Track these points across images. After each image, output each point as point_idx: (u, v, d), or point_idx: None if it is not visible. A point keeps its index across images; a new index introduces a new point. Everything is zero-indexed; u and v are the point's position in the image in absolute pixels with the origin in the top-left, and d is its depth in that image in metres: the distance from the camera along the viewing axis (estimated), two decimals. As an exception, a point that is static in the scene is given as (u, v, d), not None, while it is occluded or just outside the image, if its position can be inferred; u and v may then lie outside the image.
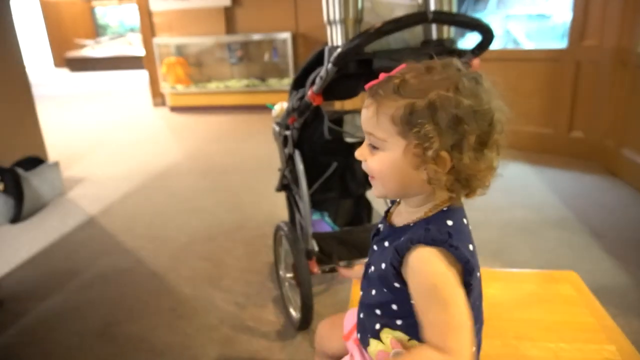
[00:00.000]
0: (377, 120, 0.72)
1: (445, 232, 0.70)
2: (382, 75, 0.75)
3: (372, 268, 0.81)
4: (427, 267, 0.69)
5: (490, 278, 1.20)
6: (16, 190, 2.85)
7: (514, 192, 2.94)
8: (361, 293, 0.86)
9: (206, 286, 2.11)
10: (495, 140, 0.70)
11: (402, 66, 0.74)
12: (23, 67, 3.32)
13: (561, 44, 3.51)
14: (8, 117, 3.18)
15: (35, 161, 3.15)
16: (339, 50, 1.25)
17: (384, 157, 0.73)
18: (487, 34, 1.33)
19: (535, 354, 1.02)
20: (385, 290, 0.77)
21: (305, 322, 1.72)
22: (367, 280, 0.83)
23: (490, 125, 0.69)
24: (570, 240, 2.37)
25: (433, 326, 0.68)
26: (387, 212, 0.85)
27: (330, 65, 1.29)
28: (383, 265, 0.76)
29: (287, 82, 5.55)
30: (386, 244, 0.78)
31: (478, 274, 0.75)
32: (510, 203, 2.79)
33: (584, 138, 3.44)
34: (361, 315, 0.86)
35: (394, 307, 0.78)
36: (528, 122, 3.52)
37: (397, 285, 0.74)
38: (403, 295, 0.74)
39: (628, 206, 2.75)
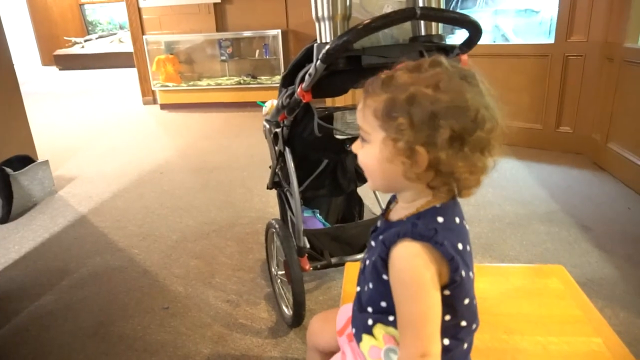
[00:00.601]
0: (363, 113, 0.75)
1: (432, 228, 0.71)
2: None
3: (367, 262, 0.82)
4: (404, 261, 0.71)
5: (480, 272, 1.21)
6: (5, 190, 2.83)
7: (503, 186, 2.97)
8: (357, 288, 0.88)
9: (198, 284, 2.11)
10: (479, 138, 0.69)
11: (401, 65, 0.76)
12: (11, 65, 3.29)
13: (549, 39, 3.53)
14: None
15: (24, 160, 3.12)
16: (327, 47, 1.25)
17: (369, 150, 0.75)
18: (475, 31, 1.34)
19: (524, 347, 1.04)
20: (376, 284, 0.79)
21: (298, 319, 1.73)
22: (363, 276, 0.85)
23: (473, 122, 0.69)
24: (559, 234, 2.39)
25: (399, 320, 0.73)
26: (387, 208, 0.86)
27: (319, 62, 1.29)
28: (374, 258, 0.78)
29: (278, 78, 5.53)
30: (380, 237, 0.79)
31: (470, 273, 0.77)
32: (500, 198, 2.81)
33: (572, 133, 3.47)
34: (355, 311, 0.88)
35: (383, 304, 0.79)
36: (516, 118, 3.55)
37: (385, 277, 0.76)
38: (390, 290, 0.75)
39: (615, 199, 2.78)
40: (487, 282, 1.25)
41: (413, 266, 0.70)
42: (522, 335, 1.07)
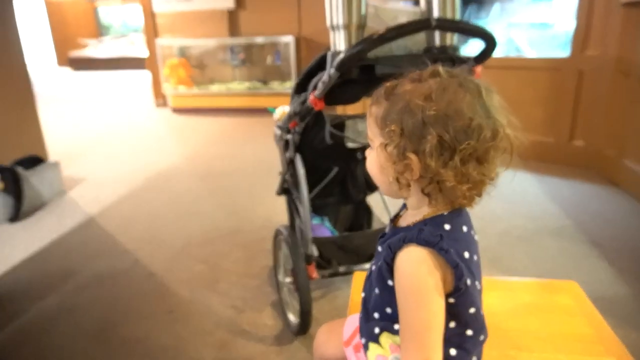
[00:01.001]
0: (369, 121, 0.79)
1: (437, 235, 0.71)
2: None
3: (374, 267, 0.83)
4: (409, 267, 0.72)
5: (489, 287, 1.20)
6: (16, 189, 2.85)
7: (513, 200, 2.94)
8: (363, 295, 0.88)
9: (203, 290, 2.10)
10: (473, 147, 0.69)
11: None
12: (24, 66, 3.32)
13: (563, 52, 3.51)
14: (9, 115, 3.18)
15: (35, 160, 3.15)
16: (341, 55, 1.25)
17: (372, 155, 0.79)
18: (490, 42, 1.33)
19: (534, 364, 1.02)
20: (381, 289, 0.80)
21: (303, 328, 1.71)
22: (369, 282, 0.85)
23: (466, 131, 0.69)
24: (569, 250, 2.36)
25: (402, 325, 0.73)
26: (396, 215, 0.87)
27: (332, 70, 1.29)
28: (379, 263, 0.78)
29: (289, 85, 5.55)
30: (387, 243, 0.80)
31: (477, 283, 0.76)
32: (509, 211, 2.78)
33: (585, 147, 3.44)
34: (362, 319, 0.88)
35: (389, 310, 0.79)
36: (529, 130, 3.48)
37: (390, 283, 0.76)
38: (395, 296, 0.75)
39: (628, 216, 2.74)
40: (497, 296, 1.23)
41: (417, 271, 0.71)
42: (531, 352, 1.05)
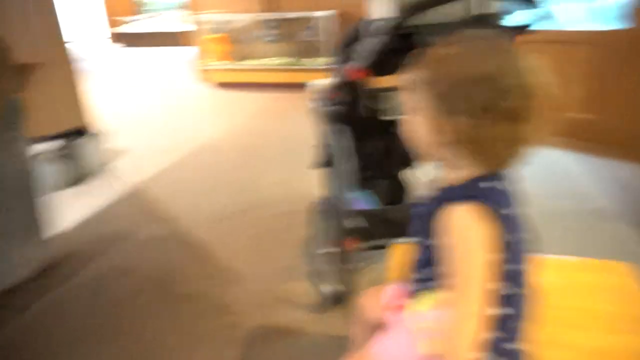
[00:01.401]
0: (402, 88, 0.81)
1: (478, 192, 0.73)
2: None
3: (415, 229, 0.86)
4: (453, 223, 0.73)
5: (541, 264, 1.18)
6: (64, 159, 2.98)
7: (552, 179, 2.85)
8: (405, 258, 0.92)
9: (246, 258, 2.17)
10: (505, 107, 0.69)
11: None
12: (62, 42, 3.36)
13: (613, 26, 3.33)
14: (57, 88, 3.27)
15: (81, 132, 3.27)
16: (380, 23, 1.24)
17: (407, 119, 0.81)
18: (535, 9, 1.29)
19: (585, 343, 1.00)
20: (424, 248, 0.82)
21: (341, 298, 1.74)
22: (416, 243, 0.88)
23: (496, 91, 0.69)
24: (610, 231, 2.28)
25: (451, 279, 0.74)
26: (434, 180, 0.88)
27: (372, 40, 1.28)
28: (420, 224, 0.81)
29: (326, 61, 5.50)
30: (428, 204, 0.82)
31: (519, 239, 0.78)
32: (548, 190, 2.70)
33: (630, 126, 3.25)
34: (403, 283, 0.91)
35: (429, 269, 0.82)
36: (574, 108, 3.36)
37: (432, 242, 0.78)
38: (436, 255, 0.77)
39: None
40: (550, 274, 1.19)
41: (462, 226, 0.72)
42: (584, 330, 1.03)
